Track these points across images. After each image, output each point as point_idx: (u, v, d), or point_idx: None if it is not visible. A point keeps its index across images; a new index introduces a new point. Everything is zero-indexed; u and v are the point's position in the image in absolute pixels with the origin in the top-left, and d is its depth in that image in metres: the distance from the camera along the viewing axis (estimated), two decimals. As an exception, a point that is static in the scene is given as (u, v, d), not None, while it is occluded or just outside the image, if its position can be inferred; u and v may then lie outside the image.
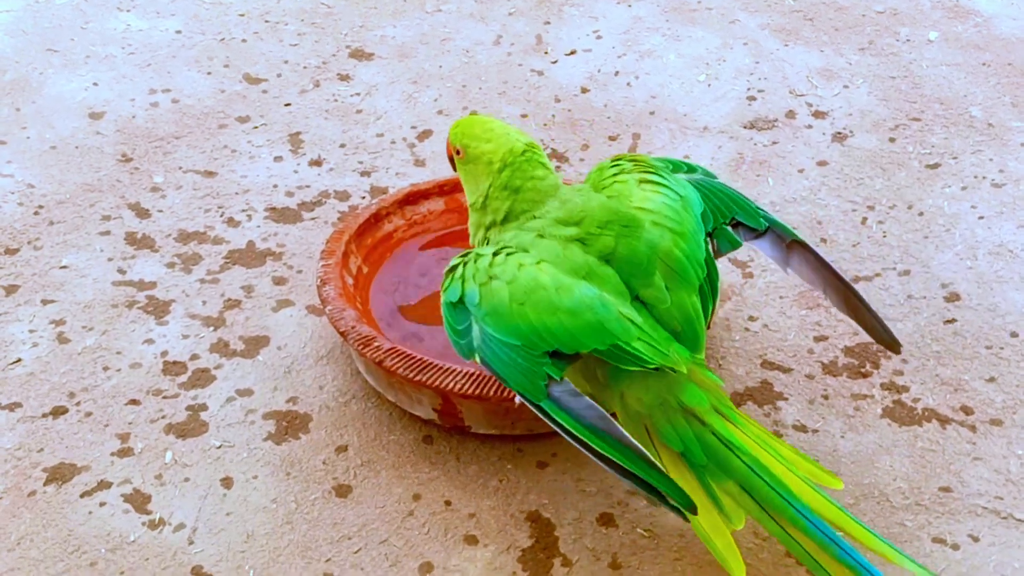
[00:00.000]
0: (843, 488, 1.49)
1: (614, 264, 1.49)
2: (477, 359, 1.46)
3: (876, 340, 1.63)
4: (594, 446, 1.38)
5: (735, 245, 1.60)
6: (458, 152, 1.61)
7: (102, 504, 1.57)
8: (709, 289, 1.54)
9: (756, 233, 1.62)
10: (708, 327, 1.56)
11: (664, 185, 1.57)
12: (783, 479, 1.41)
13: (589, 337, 1.42)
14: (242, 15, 2.56)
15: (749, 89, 2.35)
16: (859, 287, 1.88)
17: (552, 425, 1.41)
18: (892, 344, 1.61)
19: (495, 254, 1.49)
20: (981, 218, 2.03)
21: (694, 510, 1.38)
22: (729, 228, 1.60)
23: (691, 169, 1.64)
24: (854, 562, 1.38)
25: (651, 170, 1.60)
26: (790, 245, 1.61)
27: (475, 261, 1.49)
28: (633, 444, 1.37)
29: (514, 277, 1.45)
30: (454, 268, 1.51)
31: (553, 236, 1.51)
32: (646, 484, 1.38)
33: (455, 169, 1.64)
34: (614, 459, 1.37)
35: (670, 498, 1.38)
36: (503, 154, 1.57)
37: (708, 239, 1.58)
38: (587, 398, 1.41)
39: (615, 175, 1.59)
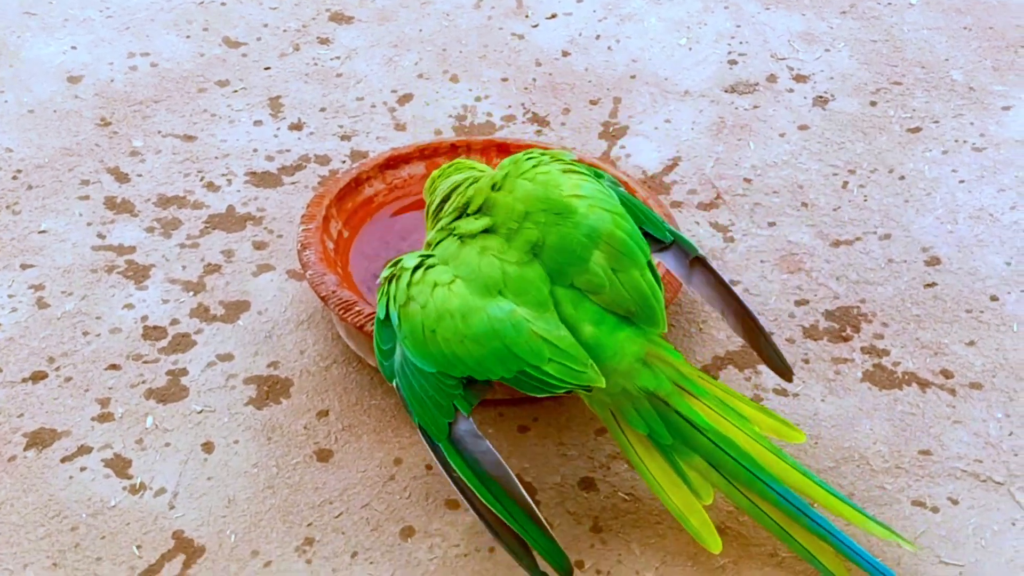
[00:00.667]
0: (805, 442, 1.52)
1: (542, 256, 1.45)
2: (395, 384, 1.45)
3: (769, 366, 1.58)
4: (480, 497, 1.39)
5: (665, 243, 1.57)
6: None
7: (83, 469, 1.57)
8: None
9: (661, 246, 1.56)
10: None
11: (586, 175, 1.52)
12: (749, 452, 1.41)
13: (496, 365, 1.40)
14: (221, -22, 2.55)
15: (730, 53, 2.34)
16: (839, 251, 1.89)
17: (442, 468, 1.42)
18: (785, 372, 1.57)
19: (416, 268, 1.46)
20: (962, 182, 2.03)
21: (570, 573, 1.40)
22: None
23: (599, 176, 1.57)
24: (824, 531, 1.40)
25: (570, 162, 1.54)
26: (692, 262, 1.57)
27: (398, 279, 1.46)
28: (525, 501, 1.38)
29: (427, 301, 1.42)
30: (385, 281, 1.49)
31: (470, 238, 1.48)
32: (523, 544, 1.39)
33: None
34: (497, 513, 1.38)
35: (546, 560, 1.39)
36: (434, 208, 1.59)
37: None
38: (487, 442, 1.40)
39: (535, 166, 1.52)
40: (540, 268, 1.45)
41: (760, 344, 1.57)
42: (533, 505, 1.39)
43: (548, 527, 1.39)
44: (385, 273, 1.50)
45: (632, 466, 1.48)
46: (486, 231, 1.48)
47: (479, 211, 1.50)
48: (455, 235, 1.49)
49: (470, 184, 1.54)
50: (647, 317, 1.46)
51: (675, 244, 1.57)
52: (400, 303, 1.45)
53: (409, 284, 1.45)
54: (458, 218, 1.51)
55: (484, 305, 1.42)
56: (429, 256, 1.48)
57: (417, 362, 1.42)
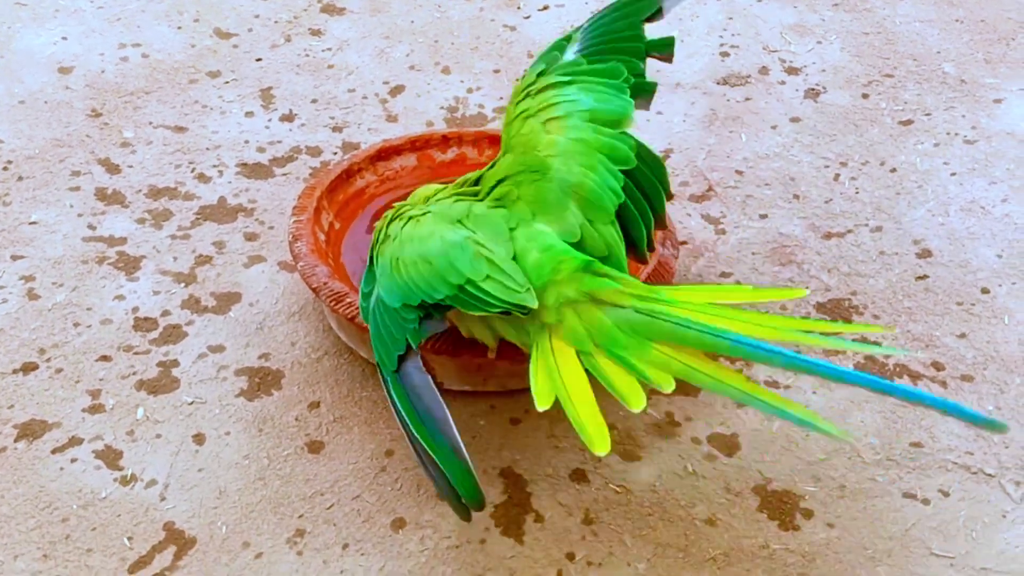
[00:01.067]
0: (807, 295, 1.55)
1: (517, 205, 1.52)
2: (369, 324, 1.50)
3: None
4: (413, 428, 1.41)
5: (651, 89, 1.68)
6: None
7: (73, 460, 1.57)
8: (645, 200, 1.56)
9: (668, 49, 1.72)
10: (662, 226, 1.61)
11: (567, 115, 1.59)
12: (708, 320, 1.37)
13: (441, 282, 1.44)
14: (212, -31, 2.54)
15: (722, 45, 2.34)
16: (831, 243, 1.89)
17: (390, 402, 1.44)
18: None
19: (397, 213, 1.56)
20: (953, 175, 2.03)
21: (481, 506, 1.40)
22: (643, 68, 1.70)
23: (570, 38, 1.70)
24: (809, 364, 1.34)
25: (550, 103, 1.61)
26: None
27: (383, 224, 1.57)
28: (456, 441, 1.40)
29: (398, 233, 1.52)
30: (375, 231, 1.59)
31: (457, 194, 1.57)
32: (448, 484, 1.40)
33: None
34: (425, 446, 1.40)
35: (463, 498, 1.39)
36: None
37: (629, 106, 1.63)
38: (428, 377, 1.43)
39: (521, 127, 1.60)
40: (505, 211, 1.51)
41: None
42: (461, 444, 1.39)
43: (471, 468, 1.39)
44: (377, 224, 1.59)
45: (531, 381, 1.41)
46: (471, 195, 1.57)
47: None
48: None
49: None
50: (617, 264, 1.50)
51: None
52: (379, 242, 1.55)
53: (388, 224, 1.56)
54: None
55: (442, 230, 1.48)
56: (410, 205, 1.59)
57: (385, 297, 1.49)
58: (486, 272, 1.44)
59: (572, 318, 1.41)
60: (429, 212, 1.53)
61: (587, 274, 1.44)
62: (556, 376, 1.40)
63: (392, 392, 1.44)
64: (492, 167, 1.58)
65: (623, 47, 1.70)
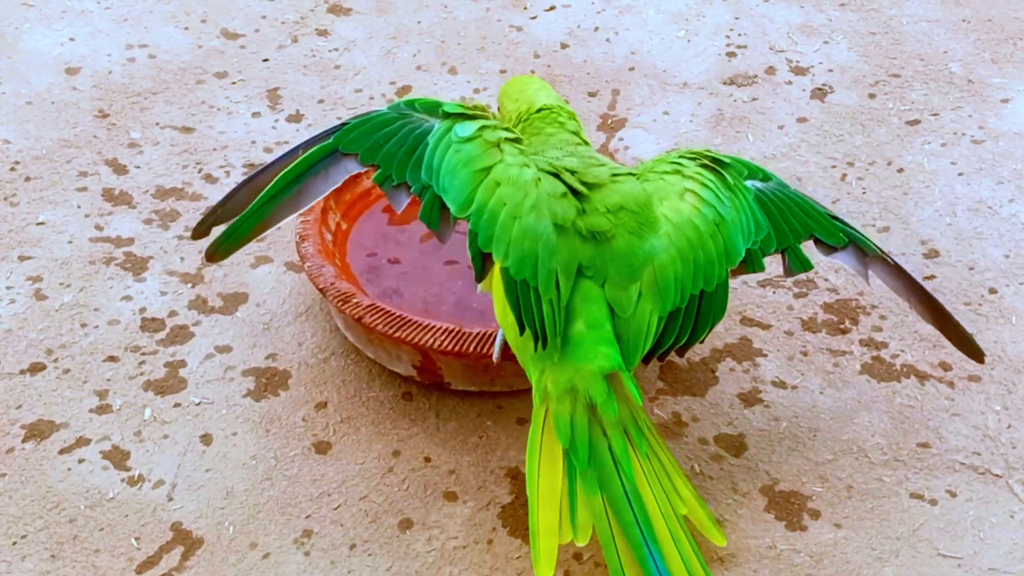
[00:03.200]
0: (726, 546, 1.46)
1: (600, 247, 1.44)
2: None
3: (960, 349, 1.61)
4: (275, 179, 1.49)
5: (807, 267, 1.53)
6: (498, 109, 1.66)
7: (81, 461, 1.57)
8: (694, 319, 1.47)
9: (833, 249, 1.54)
10: (682, 353, 1.56)
11: (708, 204, 1.49)
12: (653, 521, 1.37)
13: (519, 262, 1.41)
14: (219, -31, 2.55)
15: (729, 45, 2.34)
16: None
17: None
18: (976, 354, 1.60)
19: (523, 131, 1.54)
20: (960, 175, 2.03)
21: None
22: (801, 248, 1.53)
23: (767, 177, 1.57)
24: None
25: (708, 183, 1.51)
26: (870, 259, 1.55)
27: (496, 128, 1.50)
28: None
29: (507, 159, 1.46)
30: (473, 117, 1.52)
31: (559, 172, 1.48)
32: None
33: None
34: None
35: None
36: (520, 112, 1.60)
37: (759, 257, 1.52)
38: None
39: (665, 172, 1.52)
40: (584, 248, 1.44)
41: (949, 329, 1.59)
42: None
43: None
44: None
45: (525, 470, 1.42)
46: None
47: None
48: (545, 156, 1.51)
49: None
50: (628, 351, 1.43)
51: (852, 244, 1.54)
52: (476, 140, 1.48)
53: (501, 137, 1.48)
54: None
55: (548, 221, 1.43)
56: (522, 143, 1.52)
57: (449, 199, 1.46)
58: (548, 296, 1.40)
59: (563, 406, 1.40)
60: (541, 188, 1.44)
61: (602, 383, 1.40)
62: (533, 480, 1.39)
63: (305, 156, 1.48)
64: (612, 170, 1.50)
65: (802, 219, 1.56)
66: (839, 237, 1.54)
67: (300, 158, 1.49)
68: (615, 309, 1.43)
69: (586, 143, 1.58)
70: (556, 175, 1.46)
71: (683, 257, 1.45)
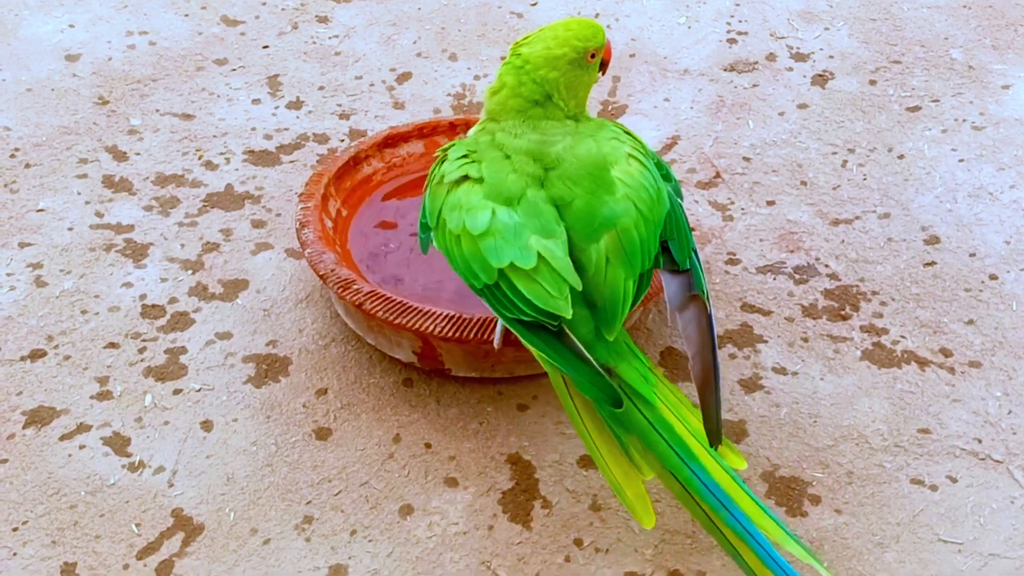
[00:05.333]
0: (746, 468, 1.48)
1: (565, 211, 1.44)
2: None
3: (704, 425, 1.42)
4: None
5: (656, 264, 1.50)
6: None
7: (82, 447, 1.57)
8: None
9: (674, 268, 1.49)
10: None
11: (648, 169, 1.49)
12: (684, 440, 1.38)
13: (481, 267, 1.42)
14: (219, -44, 2.54)
15: (729, 31, 2.34)
16: (838, 229, 1.88)
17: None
18: (714, 435, 1.41)
19: (454, 158, 1.50)
20: (961, 161, 2.03)
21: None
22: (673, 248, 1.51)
23: (668, 177, 1.55)
24: (744, 531, 1.34)
25: (641, 150, 1.52)
26: (692, 297, 1.48)
27: (440, 163, 1.52)
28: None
29: (448, 181, 1.48)
30: (436, 161, 1.54)
31: (518, 163, 1.47)
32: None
33: None
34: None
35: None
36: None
37: None
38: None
39: (610, 138, 1.51)
40: (556, 211, 1.44)
41: (708, 404, 1.42)
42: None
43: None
44: (437, 152, 1.54)
45: (577, 432, 1.45)
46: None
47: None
48: (501, 143, 1.49)
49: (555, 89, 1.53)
50: (606, 318, 1.42)
51: (686, 273, 1.49)
52: (433, 182, 1.51)
53: (443, 165, 1.50)
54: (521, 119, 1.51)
55: (494, 207, 1.43)
56: (473, 151, 1.50)
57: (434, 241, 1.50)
58: (535, 263, 1.40)
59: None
60: (484, 179, 1.45)
61: (600, 342, 1.42)
62: (587, 438, 1.41)
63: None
64: (561, 140, 1.49)
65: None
66: (684, 261, 1.49)
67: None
68: (578, 268, 1.42)
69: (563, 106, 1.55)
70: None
71: (644, 218, 1.45)
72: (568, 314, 1.38)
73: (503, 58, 1.58)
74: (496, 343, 1.54)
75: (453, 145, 1.53)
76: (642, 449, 1.39)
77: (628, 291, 1.43)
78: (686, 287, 1.48)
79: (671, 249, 1.48)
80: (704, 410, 1.41)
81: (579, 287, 1.40)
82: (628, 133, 1.55)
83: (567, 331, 1.39)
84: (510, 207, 1.43)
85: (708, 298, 1.47)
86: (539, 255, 1.40)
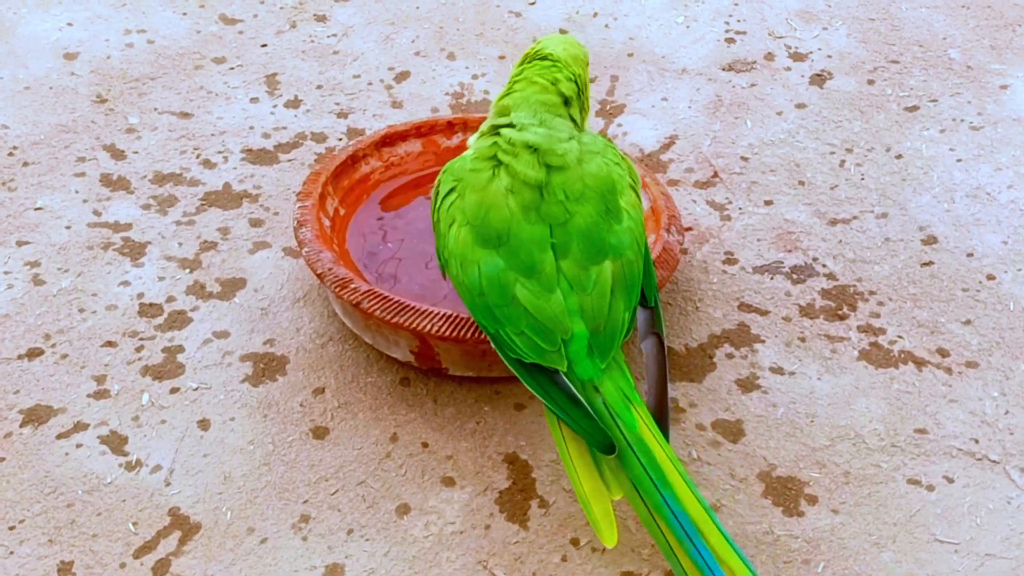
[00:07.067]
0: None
1: (564, 226, 1.46)
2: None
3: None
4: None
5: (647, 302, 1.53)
6: None
7: (79, 446, 1.57)
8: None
9: (644, 303, 1.52)
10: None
11: (640, 203, 1.54)
12: (660, 466, 1.38)
13: (483, 317, 1.46)
14: (217, -45, 2.54)
15: (728, 31, 2.34)
16: (836, 229, 1.88)
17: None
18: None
19: (448, 193, 1.53)
20: (959, 161, 2.03)
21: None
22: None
23: None
24: (703, 564, 1.34)
25: (632, 181, 1.55)
26: (654, 333, 1.51)
27: (436, 198, 1.55)
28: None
29: (443, 215, 1.52)
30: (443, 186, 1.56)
31: (511, 170, 1.48)
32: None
33: None
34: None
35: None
36: (527, 54, 1.62)
37: None
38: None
39: (615, 162, 1.53)
40: (547, 235, 1.46)
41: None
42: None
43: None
44: (436, 181, 1.58)
45: (554, 440, 1.46)
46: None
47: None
48: (504, 146, 1.51)
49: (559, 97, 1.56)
50: (603, 344, 1.43)
51: (652, 310, 1.52)
52: (437, 208, 1.54)
53: (439, 207, 1.53)
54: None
55: (479, 258, 1.46)
56: (459, 180, 1.52)
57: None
58: (522, 327, 1.43)
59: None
60: (466, 223, 1.48)
61: (591, 362, 1.43)
62: (564, 450, 1.42)
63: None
64: (567, 141, 1.51)
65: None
66: (652, 300, 1.52)
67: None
68: (573, 285, 1.44)
69: (570, 114, 1.57)
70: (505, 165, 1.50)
71: (641, 253, 1.49)
72: (563, 367, 1.42)
73: (521, 72, 1.57)
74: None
75: (445, 171, 1.55)
76: (615, 467, 1.39)
77: (625, 321, 1.46)
78: (650, 322, 1.51)
79: (644, 286, 1.51)
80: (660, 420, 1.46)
81: (567, 336, 1.42)
82: (623, 158, 1.58)
83: (561, 373, 1.42)
84: (496, 250, 1.46)
85: (664, 336, 1.51)
86: (525, 310, 1.43)
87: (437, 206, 1.54)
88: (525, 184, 1.47)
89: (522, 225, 1.46)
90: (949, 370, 1.68)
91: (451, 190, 1.52)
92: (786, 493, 1.53)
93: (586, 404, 1.40)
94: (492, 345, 1.46)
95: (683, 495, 1.37)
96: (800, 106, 2.15)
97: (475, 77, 2.20)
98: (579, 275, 1.45)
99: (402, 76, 2.21)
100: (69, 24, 2.31)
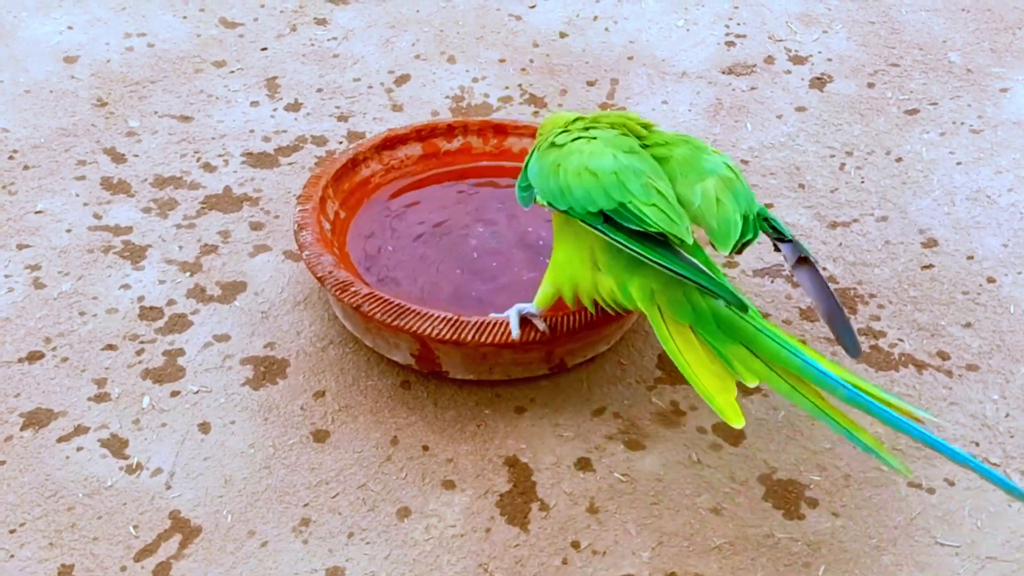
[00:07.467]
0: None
1: (665, 164, 1.54)
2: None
3: (842, 345, 1.58)
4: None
5: (763, 229, 1.59)
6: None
7: (79, 449, 1.57)
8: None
9: (780, 239, 1.62)
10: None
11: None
12: (787, 337, 1.44)
13: (601, 195, 1.47)
14: (218, -42, 2.54)
15: (728, 34, 2.34)
16: (836, 232, 1.88)
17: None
18: (855, 350, 1.57)
19: (566, 129, 1.59)
20: (959, 164, 2.03)
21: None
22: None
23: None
24: (864, 400, 1.39)
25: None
26: (801, 259, 1.60)
27: (552, 133, 1.60)
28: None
29: (566, 143, 1.55)
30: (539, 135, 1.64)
31: (606, 134, 1.57)
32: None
33: None
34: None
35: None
36: (557, 126, 1.64)
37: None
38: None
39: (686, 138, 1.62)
40: (657, 165, 1.54)
41: (841, 333, 1.57)
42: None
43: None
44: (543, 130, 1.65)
45: (669, 355, 1.47)
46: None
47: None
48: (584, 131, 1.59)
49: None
50: (720, 235, 1.50)
51: (790, 243, 1.61)
52: (542, 147, 1.58)
53: (557, 135, 1.58)
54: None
55: (615, 152, 1.52)
56: (559, 147, 1.58)
57: (538, 196, 1.55)
58: (653, 200, 1.47)
59: (678, 290, 1.47)
60: (598, 137, 1.55)
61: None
62: (680, 358, 1.45)
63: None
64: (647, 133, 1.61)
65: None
66: (786, 231, 1.61)
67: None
68: (683, 203, 1.51)
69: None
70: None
71: (738, 178, 1.57)
72: (690, 240, 1.47)
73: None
74: (516, 335, 1.55)
75: (555, 129, 1.61)
76: (746, 356, 1.44)
77: (738, 220, 1.52)
78: (794, 253, 1.60)
79: (775, 225, 1.60)
80: (839, 339, 1.56)
81: (688, 222, 1.49)
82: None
83: (682, 252, 1.47)
84: (626, 154, 1.52)
85: (813, 257, 1.60)
86: (657, 191, 1.48)
87: (548, 139, 1.59)
88: (624, 136, 1.56)
89: (643, 152, 1.55)
90: (949, 373, 1.68)
91: (564, 131, 1.58)
92: (786, 496, 1.53)
93: (710, 272, 1.45)
94: (597, 229, 1.47)
95: (818, 357, 1.42)
96: (800, 109, 2.15)
97: (475, 80, 2.20)
98: (687, 194, 1.51)
99: (402, 79, 2.21)
100: (69, 28, 2.31)
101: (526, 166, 1.60)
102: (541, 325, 1.58)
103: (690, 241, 1.46)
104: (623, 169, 1.49)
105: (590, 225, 1.47)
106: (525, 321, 1.58)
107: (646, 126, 1.61)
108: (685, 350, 1.45)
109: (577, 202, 1.48)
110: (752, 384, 1.42)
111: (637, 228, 1.45)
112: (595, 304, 1.54)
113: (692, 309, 1.45)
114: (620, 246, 1.46)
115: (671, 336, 1.46)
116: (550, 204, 1.51)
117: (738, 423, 1.40)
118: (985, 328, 1.74)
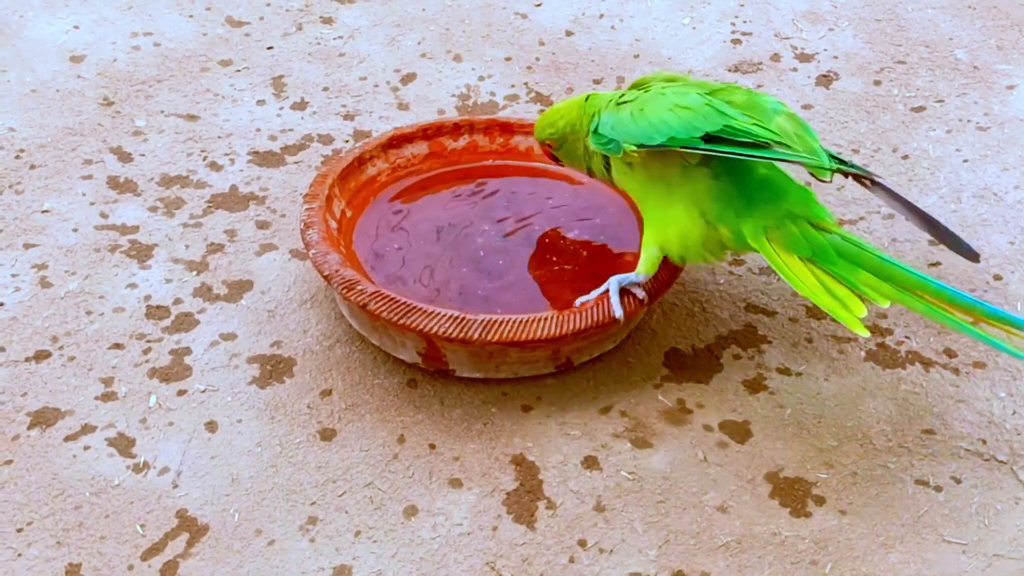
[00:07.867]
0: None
1: (732, 107, 1.60)
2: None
3: (955, 251, 1.73)
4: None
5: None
6: (549, 145, 1.75)
7: (86, 448, 1.57)
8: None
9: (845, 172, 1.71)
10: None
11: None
12: (912, 266, 1.54)
13: (703, 121, 1.53)
14: (224, -43, 2.55)
15: (734, 32, 2.33)
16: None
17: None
18: (971, 255, 1.71)
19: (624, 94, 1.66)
20: (966, 161, 2.03)
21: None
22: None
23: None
24: (997, 312, 1.50)
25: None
26: (873, 184, 1.70)
27: (618, 94, 1.66)
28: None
29: (638, 97, 1.61)
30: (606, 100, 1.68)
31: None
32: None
33: (561, 164, 1.80)
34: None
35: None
36: (576, 112, 1.71)
37: None
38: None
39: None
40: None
41: (944, 238, 1.72)
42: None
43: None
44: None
45: (786, 279, 1.53)
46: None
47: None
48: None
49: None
50: (815, 163, 1.58)
51: (855, 175, 1.71)
52: (613, 102, 1.64)
53: (620, 97, 1.64)
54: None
55: (696, 91, 1.60)
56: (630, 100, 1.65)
57: (623, 139, 1.58)
58: (750, 121, 1.54)
59: (792, 227, 1.54)
60: (669, 87, 1.62)
61: (815, 204, 1.59)
62: (798, 282, 1.52)
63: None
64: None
65: None
66: (846, 162, 1.70)
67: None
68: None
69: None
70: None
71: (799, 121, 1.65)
72: (796, 145, 1.57)
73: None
74: (618, 314, 1.58)
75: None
76: (875, 281, 1.52)
77: (820, 149, 1.61)
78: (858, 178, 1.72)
79: (837, 157, 1.67)
80: (945, 241, 1.72)
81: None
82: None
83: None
84: (704, 95, 1.59)
85: (879, 177, 1.70)
86: (746, 115, 1.57)
87: (620, 95, 1.65)
88: (689, 85, 1.64)
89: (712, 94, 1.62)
90: (956, 371, 1.68)
91: (622, 103, 1.64)
92: (793, 494, 1.53)
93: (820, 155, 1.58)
94: (688, 156, 1.56)
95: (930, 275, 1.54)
96: (807, 107, 2.14)
97: (481, 79, 2.20)
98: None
99: (408, 78, 2.21)
100: (75, 27, 2.31)
101: (594, 130, 1.64)
102: (640, 293, 1.61)
103: (796, 147, 1.56)
104: (711, 102, 1.56)
105: (693, 149, 1.52)
106: (624, 292, 1.60)
107: (697, 84, 1.66)
108: (804, 277, 1.52)
109: (677, 132, 1.53)
110: (884, 305, 1.51)
111: (747, 140, 1.51)
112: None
113: (808, 244, 1.54)
114: (733, 157, 1.53)
115: (787, 266, 1.53)
116: (641, 145, 1.55)
117: (864, 333, 1.49)
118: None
